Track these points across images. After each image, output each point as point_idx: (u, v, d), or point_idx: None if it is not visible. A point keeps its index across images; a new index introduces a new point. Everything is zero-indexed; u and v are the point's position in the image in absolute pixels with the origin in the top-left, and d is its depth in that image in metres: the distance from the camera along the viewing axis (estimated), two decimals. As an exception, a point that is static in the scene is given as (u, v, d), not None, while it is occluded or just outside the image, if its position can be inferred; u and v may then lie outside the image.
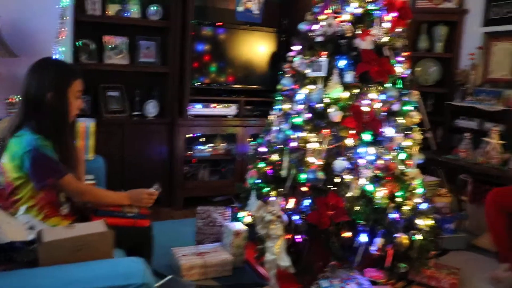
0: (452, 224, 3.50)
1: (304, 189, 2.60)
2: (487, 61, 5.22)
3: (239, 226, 2.90)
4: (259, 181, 2.91)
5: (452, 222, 3.47)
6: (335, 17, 2.61)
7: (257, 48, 4.43)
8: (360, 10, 2.58)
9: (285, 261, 2.45)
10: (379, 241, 2.52)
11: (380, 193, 2.52)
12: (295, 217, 2.58)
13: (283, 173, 2.69)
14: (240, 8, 4.32)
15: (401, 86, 2.62)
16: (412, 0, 5.61)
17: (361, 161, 2.50)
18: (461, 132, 4.58)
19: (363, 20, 2.60)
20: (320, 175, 2.54)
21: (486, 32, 5.25)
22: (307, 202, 2.59)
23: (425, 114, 5.02)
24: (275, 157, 2.81)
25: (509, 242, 2.95)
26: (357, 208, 2.54)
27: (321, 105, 2.56)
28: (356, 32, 2.56)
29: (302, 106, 2.63)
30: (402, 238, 2.57)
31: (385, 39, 2.56)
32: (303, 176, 2.59)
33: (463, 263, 3.11)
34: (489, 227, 3.12)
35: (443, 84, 5.55)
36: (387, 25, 2.59)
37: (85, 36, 3.81)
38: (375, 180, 2.53)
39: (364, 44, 2.49)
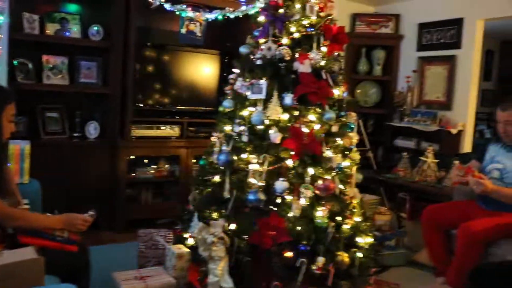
0: (392, 241, 3.61)
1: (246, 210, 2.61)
2: (422, 84, 5.51)
3: (181, 248, 2.86)
4: (202, 202, 2.88)
5: (392, 239, 3.59)
6: (275, 41, 2.67)
7: (200, 70, 4.45)
8: (298, 35, 2.65)
9: (228, 283, 2.43)
10: (320, 260, 2.55)
11: (321, 213, 2.56)
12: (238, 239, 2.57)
13: (225, 194, 2.69)
14: (183, 30, 4.34)
15: (339, 108, 2.70)
16: (352, 25, 5.85)
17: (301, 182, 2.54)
18: (401, 152, 4.76)
19: (302, 44, 2.67)
20: (262, 196, 2.55)
21: (420, 57, 5.54)
22: (249, 223, 2.60)
23: (365, 135, 5.21)
24: (217, 178, 2.81)
25: (445, 257, 3.07)
26: (298, 228, 2.57)
27: (262, 126, 2.60)
28: (295, 56, 2.63)
29: (243, 128, 2.66)
30: (343, 256, 2.62)
31: (323, 62, 2.65)
32: (245, 197, 2.60)
33: (403, 279, 3.21)
34: (425, 243, 3.24)
35: (383, 105, 5.78)
36: (325, 49, 2.67)
37: (23, 55, 3.70)
38: (315, 200, 2.58)
39: (303, 67, 2.56)
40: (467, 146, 5.08)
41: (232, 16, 4.10)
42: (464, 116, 5.15)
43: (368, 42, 5.82)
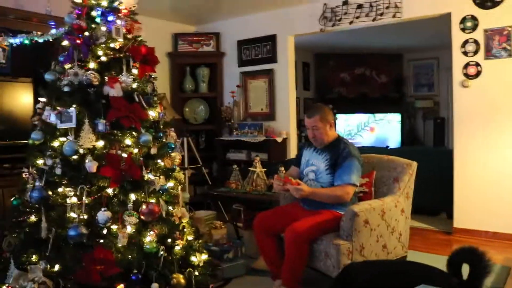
0: (231, 253, 3.68)
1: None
2: (247, 98, 5.79)
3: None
4: (18, 247, 2.60)
5: (230, 251, 3.65)
6: (81, 66, 2.54)
7: (10, 100, 4.05)
8: (105, 58, 2.57)
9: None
10: (154, 286, 2.48)
11: (149, 238, 2.50)
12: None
13: (43, 234, 2.47)
14: (-18, 58, 3.92)
15: (156, 129, 2.67)
16: (174, 45, 5.91)
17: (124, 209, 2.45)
18: (234, 165, 4.92)
19: (111, 68, 2.59)
20: (84, 230, 2.40)
21: (242, 72, 5.83)
22: (73, 261, 2.42)
23: (197, 152, 5.28)
24: (33, 218, 2.56)
25: (278, 260, 3.20)
26: (127, 257, 2.47)
27: (76, 156, 2.44)
28: (105, 80, 2.54)
29: (55, 160, 2.47)
30: (179, 277, 2.59)
31: (135, 85, 2.60)
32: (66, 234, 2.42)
33: (244, 288, 3.28)
34: (259, 249, 3.36)
35: (212, 121, 5.94)
36: (136, 71, 2.63)
37: None
38: (142, 226, 2.50)
39: (113, 91, 2.48)
40: (292, 152, 5.47)
41: (41, 40, 3.81)
42: (287, 124, 5.55)
43: (191, 61, 5.95)
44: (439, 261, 2.38)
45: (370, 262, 2.88)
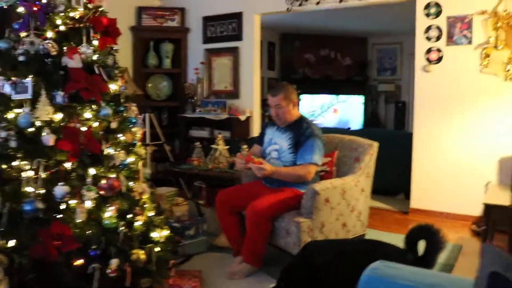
0: (192, 230, 3.67)
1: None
2: (211, 75, 5.73)
3: None
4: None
5: (191, 228, 3.64)
6: (38, 35, 2.44)
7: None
8: (64, 28, 2.47)
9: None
10: (114, 262, 2.45)
11: (109, 213, 2.46)
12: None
13: (-3, 209, 2.38)
14: None
15: (116, 103, 2.61)
16: (138, 18, 5.76)
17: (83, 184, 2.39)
18: (196, 142, 4.89)
19: (70, 38, 2.49)
20: (40, 204, 2.33)
21: (206, 49, 5.75)
22: (29, 236, 2.35)
23: (159, 128, 5.21)
24: (-14, 192, 2.47)
25: (239, 237, 3.23)
26: (86, 233, 2.42)
27: (32, 129, 2.36)
28: (64, 50, 2.44)
29: (10, 132, 2.37)
30: (139, 253, 2.56)
31: (95, 57, 2.52)
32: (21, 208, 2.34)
33: (205, 265, 3.29)
34: (221, 227, 3.38)
35: (175, 97, 5.86)
36: (96, 42, 2.54)
37: None
38: (101, 201, 2.46)
39: (72, 62, 2.39)
40: (256, 130, 5.48)
41: (-5, 7, 3.63)
42: (250, 103, 5.54)
43: (155, 36, 5.82)
44: (397, 240, 2.45)
45: (330, 240, 2.94)
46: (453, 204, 4.50)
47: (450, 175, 4.50)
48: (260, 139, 3.47)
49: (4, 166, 2.39)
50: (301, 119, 3.25)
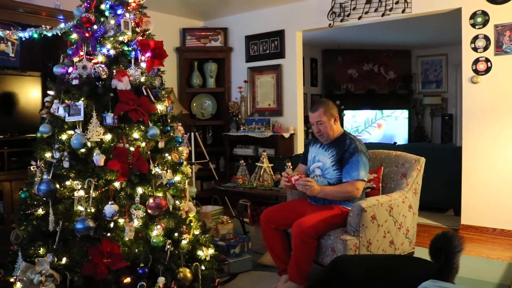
0: (237, 248, 3.68)
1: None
2: (254, 93, 5.78)
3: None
4: (26, 239, 2.61)
5: (236, 246, 3.65)
6: (90, 59, 2.54)
7: (19, 94, 4.07)
8: (113, 52, 2.56)
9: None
10: (161, 280, 2.49)
11: (156, 232, 2.50)
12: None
13: (51, 226, 2.48)
14: (-8, 52, 3.93)
15: (163, 123, 2.67)
16: (182, 40, 5.91)
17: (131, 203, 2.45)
18: (241, 160, 4.91)
19: (119, 61, 2.59)
20: (91, 223, 2.40)
21: (249, 67, 5.81)
22: (80, 254, 2.43)
23: (203, 147, 5.28)
24: (40, 211, 2.57)
25: (285, 255, 3.20)
26: (134, 251, 2.48)
27: (83, 150, 2.45)
28: (113, 73, 2.54)
29: (63, 153, 2.48)
30: (185, 272, 2.59)
31: (143, 78, 2.60)
32: (73, 227, 2.43)
33: (250, 284, 3.28)
34: (266, 245, 3.36)
35: (219, 116, 5.93)
36: (144, 65, 2.63)
37: None
38: (149, 220, 2.51)
39: (121, 84, 2.48)
40: (300, 147, 5.46)
41: (49, 34, 3.81)
42: (294, 120, 5.53)
43: (199, 56, 5.94)
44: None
45: (360, 256, 2.88)
46: (506, 220, 4.29)
47: (502, 189, 4.31)
48: (304, 158, 3.45)
49: (57, 186, 2.49)
50: (344, 135, 3.22)
